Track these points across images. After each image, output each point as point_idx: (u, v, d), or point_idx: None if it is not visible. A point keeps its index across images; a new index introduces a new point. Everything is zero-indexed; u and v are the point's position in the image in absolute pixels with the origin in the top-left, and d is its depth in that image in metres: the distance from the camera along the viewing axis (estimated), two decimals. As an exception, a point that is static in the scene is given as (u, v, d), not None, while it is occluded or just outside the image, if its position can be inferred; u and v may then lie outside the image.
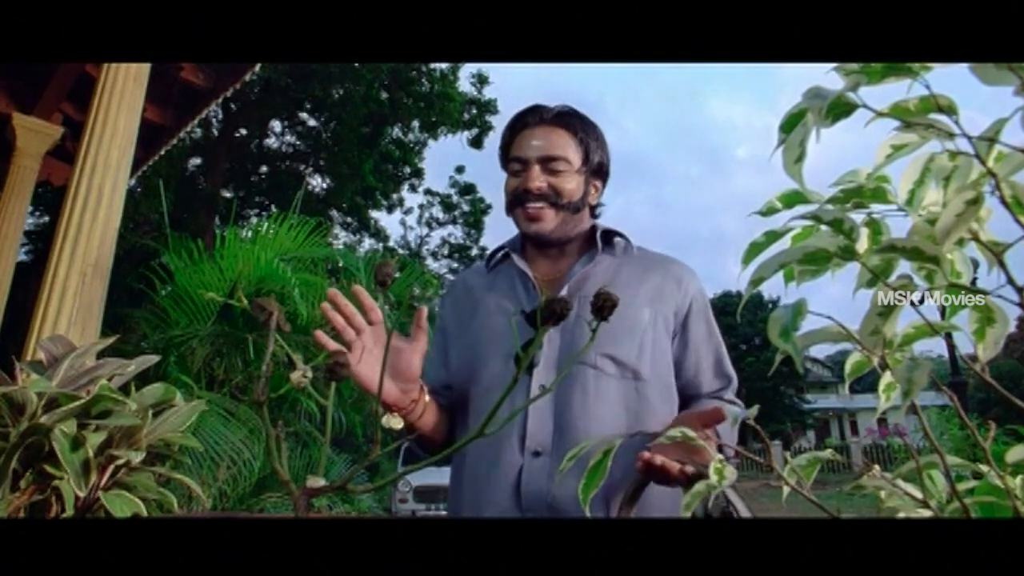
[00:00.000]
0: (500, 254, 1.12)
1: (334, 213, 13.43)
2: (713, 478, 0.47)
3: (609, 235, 1.08)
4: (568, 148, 1.04)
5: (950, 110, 0.35)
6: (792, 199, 0.44)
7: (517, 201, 1.04)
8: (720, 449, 0.86)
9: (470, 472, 0.98)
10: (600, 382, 0.94)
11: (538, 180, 1.02)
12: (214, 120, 11.86)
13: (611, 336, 0.95)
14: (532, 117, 1.07)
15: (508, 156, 1.08)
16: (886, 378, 0.43)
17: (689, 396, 1.04)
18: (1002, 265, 0.35)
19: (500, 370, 0.97)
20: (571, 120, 1.06)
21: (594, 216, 1.13)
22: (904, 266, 0.38)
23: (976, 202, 0.34)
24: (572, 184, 1.03)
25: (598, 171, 1.09)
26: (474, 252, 19.11)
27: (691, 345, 1.02)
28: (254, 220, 12.05)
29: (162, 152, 4.57)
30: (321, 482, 0.44)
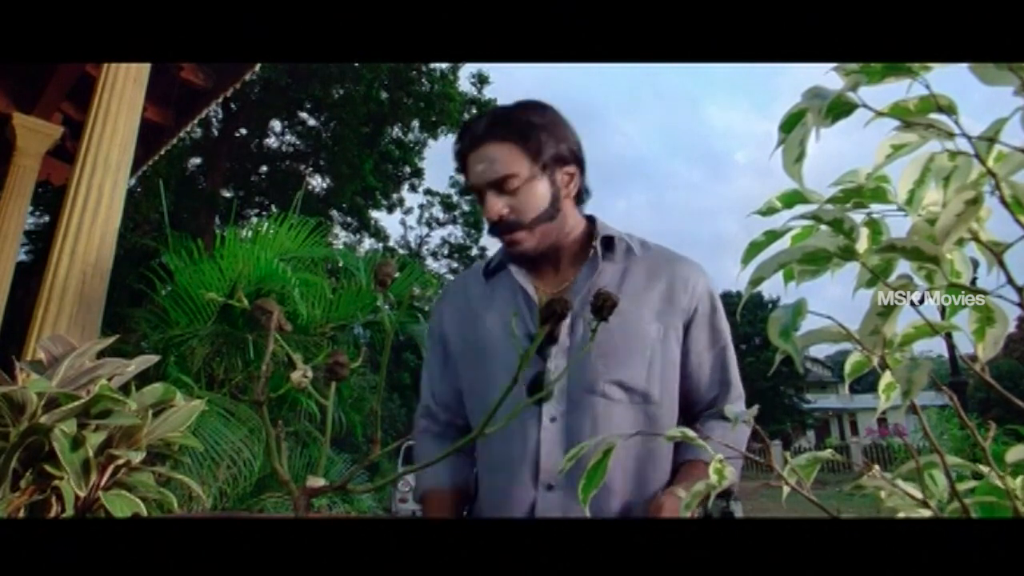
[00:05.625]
0: (496, 263, 1.04)
1: (334, 213, 13.44)
2: (713, 478, 0.47)
3: (609, 239, 0.99)
4: (512, 160, 0.92)
5: (950, 110, 0.35)
6: (792, 199, 0.44)
7: (491, 231, 0.97)
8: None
9: (483, 506, 0.96)
10: (610, 410, 0.91)
11: (495, 208, 0.93)
12: (214, 120, 11.87)
13: (617, 360, 0.91)
14: (464, 141, 0.96)
15: (468, 184, 0.99)
16: (886, 378, 0.43)
17: (690, 403, 0.99)
18: (1002, 265, 0.35)
19: (512, 402, 0.92)
20: (505, 126, 0.94)
21: (580, 203, 1.02)
22: (904, 266, 0.38)
23: (976, 202, 0.34)
24: (533, 196, 0.93)
25: (561, 159, 0.96)
26: (474, 252, 19.12)
27: (692, 352, 0.97)
28: (254, 220, 12.05)
29: (162, 152, 4.57)
30: (321, 482, 0.44)
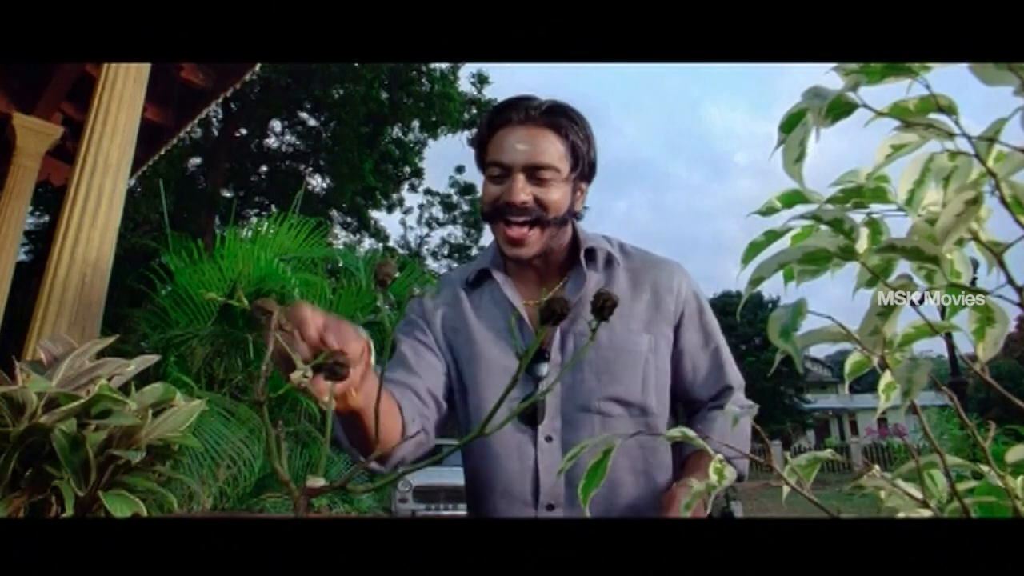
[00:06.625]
0: (476, 272, 1.00)
1: (334, 213, 13.45)
2: (713, 478, 0.47)
3: (591, 250, 0.97)
4: (557, 154, 0.91)
5: (950, 110, 0.35)
6: (792, 199, 0.44)
7: (498, 214, 0.92)
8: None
9: None
10: (607, 427, 0.89)
11: (523, 193, 0.89)
12: (214, 120, 11.89)
13: (612, 375, 0.91)
14: (517, 113, 0.92)
15: (486, 157, 0.94)
16: (886, 378, 0.43)
17: (689, 402, 1.00)
18: (1002, 265, 0.35)
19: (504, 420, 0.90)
20: (560, 119, 0.92)
21: (577, 219, 1.00)
22: (904, 266, 0.38)
23: (976, 202, 0.34)
24: (559, 195, 0.91)
25: (586, 175, 0.97)
26: (474, 252, 19.12)
27: (685, 354, 0.97)
28: (254, 220, 12.06)
29: (162, 152, 4.57)
30: (321, 482, 0.44)
